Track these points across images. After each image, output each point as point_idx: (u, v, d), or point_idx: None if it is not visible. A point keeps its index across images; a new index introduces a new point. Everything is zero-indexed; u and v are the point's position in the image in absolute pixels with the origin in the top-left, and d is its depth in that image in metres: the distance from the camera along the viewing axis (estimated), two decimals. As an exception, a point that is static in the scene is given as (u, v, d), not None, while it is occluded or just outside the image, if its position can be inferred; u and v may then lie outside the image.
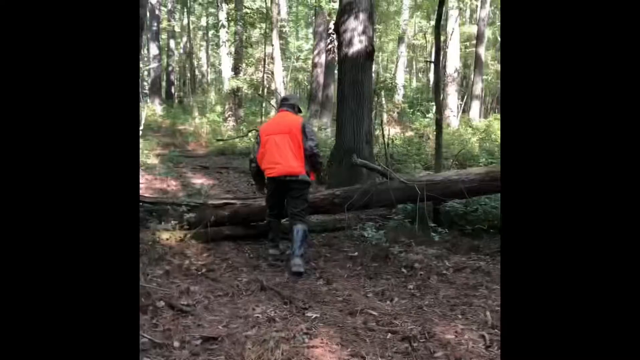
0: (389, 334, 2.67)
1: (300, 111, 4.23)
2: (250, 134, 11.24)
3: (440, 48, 4.71)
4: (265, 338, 2.52)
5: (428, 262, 3.80)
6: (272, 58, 12.65)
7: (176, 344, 2.46)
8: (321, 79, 13.07)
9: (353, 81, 5.40)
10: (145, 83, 21.65)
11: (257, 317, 2.86)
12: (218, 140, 10.76)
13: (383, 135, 7.40)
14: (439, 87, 4.81)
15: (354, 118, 5.39)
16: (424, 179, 4.18)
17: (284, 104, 4.15)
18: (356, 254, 4.07)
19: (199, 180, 7.87)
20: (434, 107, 13.90)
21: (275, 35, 11.65)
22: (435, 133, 4.80)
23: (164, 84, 22.47)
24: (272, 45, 11.80)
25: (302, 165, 3.87)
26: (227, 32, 16.67)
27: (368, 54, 5.40)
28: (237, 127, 14.08)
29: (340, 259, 4.00)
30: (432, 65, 22.97)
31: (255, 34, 17.93)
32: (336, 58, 11.56)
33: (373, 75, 12.13)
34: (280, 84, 12.57)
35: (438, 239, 3.99)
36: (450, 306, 3.08)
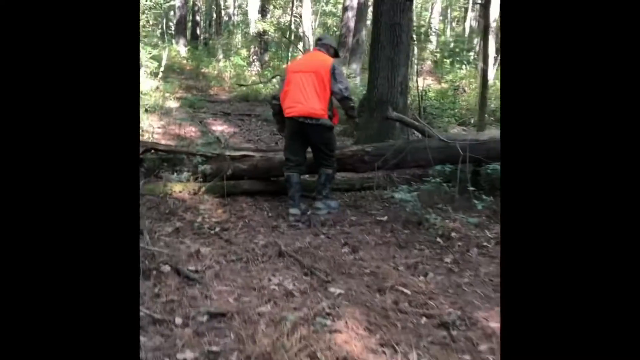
0: (424, 318, 2.31)
1: (337, 54, 3.88)
2: (274, 80, 10.74)
3: (492, -13, 4.11)
4: (281, 317, 2.18)
5: (466, 232, 3.39)
6: (301, 0, 11.94)
7: (178, 320, 2.14)
8: (352, 23, 12.31)
9: (391, 24, 4.83)
10: (170, 23, 21.03)
11: (273, 289, 2.52)
12: (240, 85, 10.29)
13: (417, 87, 6.86)
14: (487, 31, 4.23)
15: (389, 65, 4.86)
16: (467, 137, 3.70)
17: (318, 43, 3.88)
18: (386, 218, 3.67)
19: (219, 128, 7.50)
20: (471, 57, 13.08)
21: (304, -26, 10.92)
22: (480, 85, 4.26)
23: (189, 25, 21.83)
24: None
25: (325, 109, 3.60)
26: (254, -30, 15.81)
27: (408, -7, 4.80)
28: (261, 72, 13.56)
29: (367, 223, 3.61)
30: (470, 13, 21.73)
31: (285, -27, 17.07)
32: (370, 1, 10.82)
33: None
34: (308, 28, 11.94)
35: (479, 206, 3.55)
36: (493, 286, 2.69)
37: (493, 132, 3.74)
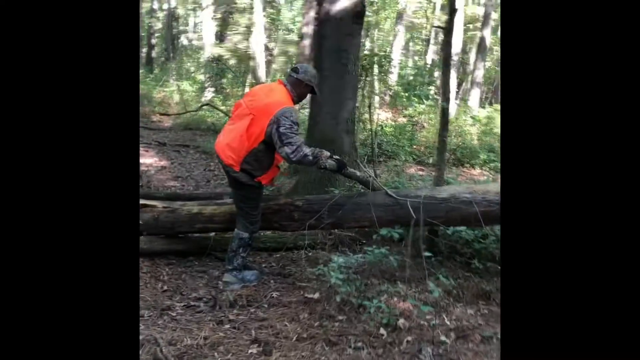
0: None
1: (313, 92, 3.06)
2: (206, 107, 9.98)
3: (454, 10, 3.43)
4: None
5: (419, 320, 2.60)
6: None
7: None
8: (308, 51, 11.69)
9: (335, 49, 4.08)
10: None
11: None
12: (162, 114, 9.57)
13: (371, 122, 6.17)
14: (448, 64, 3.54)
15: (334, 99, 4.09)
16: (421, 193, 2.92)
17: (289, 74, 3.01)
18: (316, 296, 2.83)
19: (148, 160, 6.58)
20: (432, 92, 12.61)
21: (257, -2, 10.27)
22: (439, 125, 3.54)
23: (145, 48, 20.95)
24: (253, 9, 10.43)
25: (239, 162, 2.83)
26: (210, -7, 15.11)
27: (356, 15, 4.04)
28: (215, 97, 12.77)
29: (292, 304, 2.77)
30: (431, 45, 21.57)
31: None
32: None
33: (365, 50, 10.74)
34: (260, 53, 11.25)
35: (435, 293, 2.75)
36: (453, 418, 1.89)
37: (455, 189, 2.98)
